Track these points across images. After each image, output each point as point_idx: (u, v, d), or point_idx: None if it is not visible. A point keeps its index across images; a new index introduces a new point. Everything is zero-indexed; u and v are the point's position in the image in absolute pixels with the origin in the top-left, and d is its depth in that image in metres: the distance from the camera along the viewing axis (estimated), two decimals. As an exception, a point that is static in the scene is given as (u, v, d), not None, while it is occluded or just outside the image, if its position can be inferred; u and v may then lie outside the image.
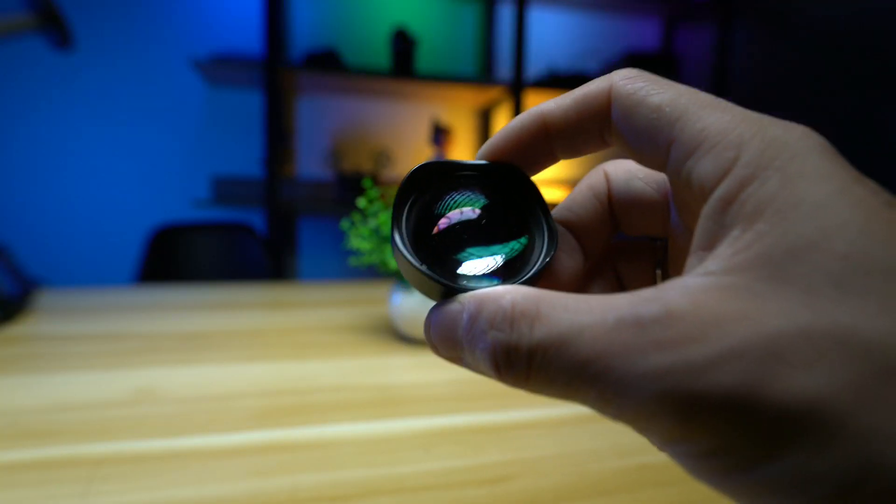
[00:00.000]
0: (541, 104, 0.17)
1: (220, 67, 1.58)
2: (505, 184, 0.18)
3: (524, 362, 0.13)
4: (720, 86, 1.92)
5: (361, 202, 0.59)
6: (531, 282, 0.16)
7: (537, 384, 0.13)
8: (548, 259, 0.16)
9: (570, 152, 0.17)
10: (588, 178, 0.19)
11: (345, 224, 0.60)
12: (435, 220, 0.17)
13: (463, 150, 2.07)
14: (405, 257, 0.15)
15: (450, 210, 0.17)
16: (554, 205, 0.21)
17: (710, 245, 0.12)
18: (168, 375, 0.47)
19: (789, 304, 0.10)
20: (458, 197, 0.17)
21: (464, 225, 0.17)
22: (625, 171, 0.19)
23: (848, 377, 0.10)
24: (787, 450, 0.10)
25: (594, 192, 0.19)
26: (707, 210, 0.13)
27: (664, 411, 0.11)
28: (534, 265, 0.16)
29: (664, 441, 0.12)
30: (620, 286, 0.20)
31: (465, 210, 0.17)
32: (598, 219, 0.19)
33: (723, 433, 0.11)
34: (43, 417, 0.38)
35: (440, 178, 0.18)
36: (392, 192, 0.64)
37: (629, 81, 0.15)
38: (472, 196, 0.17)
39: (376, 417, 0.40)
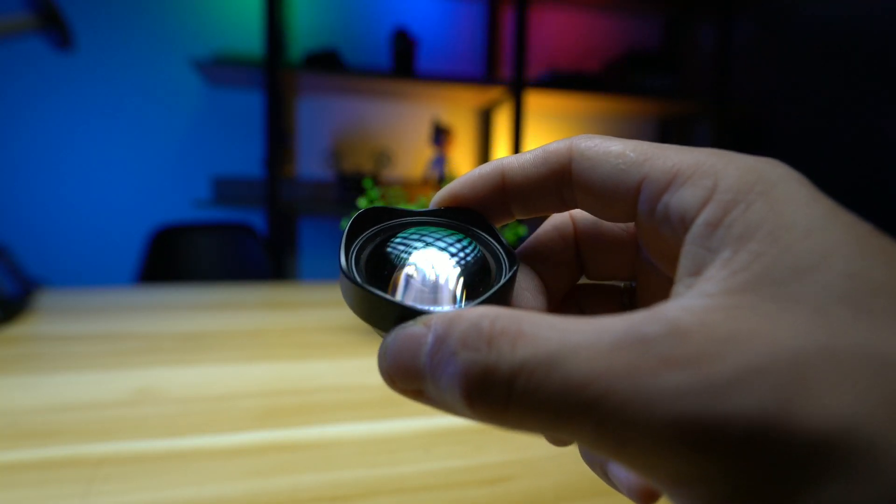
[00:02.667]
0: (502, 158, 0.17)
1: (220, 67, 1.58)
2: (460, 220, 0.17)
3: (503, 388, 0.10)
4: (720, 86, 1.92)
5: (362, 202, 0.59)
6: (498, 298, 0.14)
7: (518, 415, 0.11)
8: (511, 273, 0.15)
9: (527, 210, 0.17)
10: (553, 219, 0.19)
11: (345, 224, 0.60)
12: (387, 253, 0.16)
13: (463, 150, 2.07)
14: (353, 280, 0.14)
15: (404, 243, 0.16)
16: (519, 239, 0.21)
17: (697, 270, 0.12)
18: (168, 375, 0.47)
19: (803, 323, 0.10)
20: (412, 231, 0.17)
21: (418, 254, 0.16)
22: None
23: (879, 398, 0.09)
24: (823, 481, 0.09)
25: (559, 232, 0.18)
26: (691, 236, 0.12)
27: (679, 441, 0.09)
28: (497, 283, 0.15)
29: (674, 482, 0.10)
30: None
31: (419, 241, 0.16)
32: (563, 260, 0.18)
33: (747, 467, 0.09)
34: (43, 417, 0.38)
35: (393, 217, 0.17)
36: (393, 193, 0.64)
37: (587, 138, 0.15)
38: (427, 231, 0.17)
39: (377, 417, 0.40)
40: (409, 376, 0.12)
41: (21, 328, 0.61)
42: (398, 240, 0.16)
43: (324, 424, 0.38)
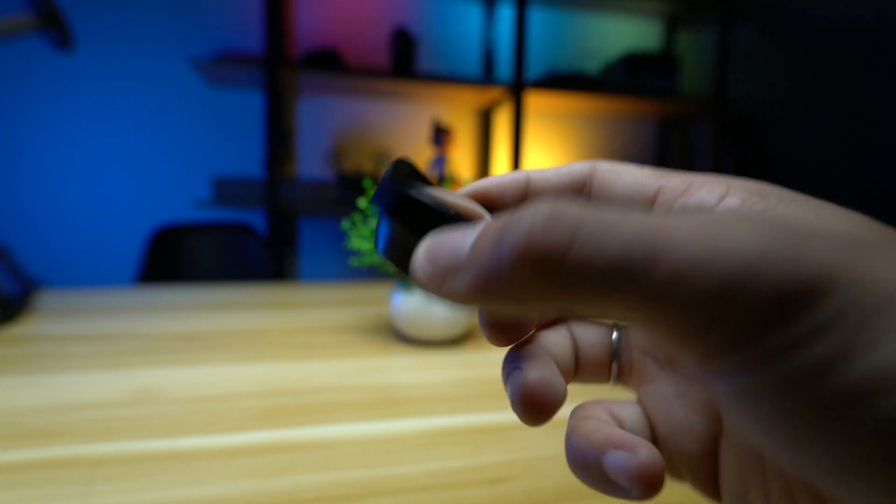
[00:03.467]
0: (528, 169, 0.18)
1: (220, 67, 1.58)
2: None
3: (572, 224, 0.10)
4: (720, 86, 1.92)
5: (362, 202, 0.59)
6: None
7: (581, 257, 0.10)
8: None
9: None
10: (553, 330, 0.19)
11: (345, 224, 0.60)
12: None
13: (463, 150, 2.07)
14: (402, 188, 0.14)
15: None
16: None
17: None
18: (168, 375, 0.47)
19: (847, 223, 0.12)
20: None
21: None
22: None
23: None
24: (888, 338, 0.09)
25: (566, 339, 0.19)
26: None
27: (753, 281, 0.09)
28: None
29: (729, 341, 0.10)
30: (574, 346, 0.18)
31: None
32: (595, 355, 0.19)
33: (818, 311, 0.09)
34: (43, 417, 0.38)
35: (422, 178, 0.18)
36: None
37: (608, 161, 0.17)
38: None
39: (377, 418, 0.40)
40: (450, 253, 0.12)
41: (21, 328, 0.61)
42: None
43: (324, 424, 0.38)
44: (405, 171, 0.17)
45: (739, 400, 0.10)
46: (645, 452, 0.14)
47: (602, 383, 0.19)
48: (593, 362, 0.18)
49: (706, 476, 0.15)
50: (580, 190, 0.17)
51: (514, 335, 0.16)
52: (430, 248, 0.13)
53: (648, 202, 0.15)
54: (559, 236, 0.10)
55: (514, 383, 0.15)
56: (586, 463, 0.15)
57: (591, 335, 0.18)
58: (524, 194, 0.18)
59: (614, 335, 0.18)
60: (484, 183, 0.18)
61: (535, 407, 0.14)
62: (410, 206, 0.14)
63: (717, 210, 0.12)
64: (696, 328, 0.10)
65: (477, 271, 0.11)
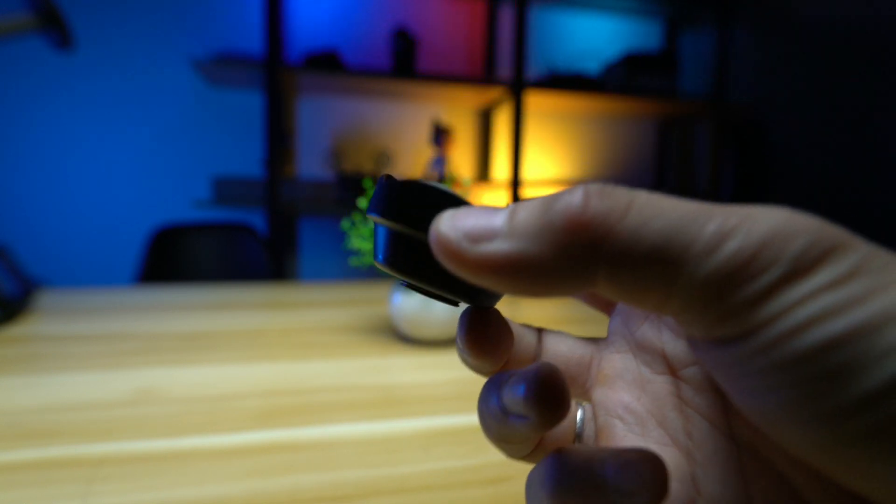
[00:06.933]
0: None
1: (220, 67, 1.58)
2: None
3: (625, 195, 0.11)
4: (720, 86, 1.92)
5: (362, 202, 0.59)
6: None
7: (636, 221, 0.10)
8: None
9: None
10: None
11: (345, 224, 0.60)
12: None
13: (463, 150, 2.07)
14: (406, 181, 0.13)
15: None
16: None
17: None
18: (168, 375, 0.47)
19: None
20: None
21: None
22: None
23: None
24: None
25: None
26: None
27: (788, 234, 0.10)
28: None
29: (772, 285, 0.10)
30: None
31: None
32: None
33: (836, 262, 0.10)
34: (43, 417, 0.38)
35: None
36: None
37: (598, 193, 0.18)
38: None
39: (377, 417, 0.40)
40: (479, 223, 0.11)
41: (21, 328, 0.61)
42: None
43: (324, 424, 0.38)
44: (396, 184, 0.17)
45: (752, 361, 0.10)
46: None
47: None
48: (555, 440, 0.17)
49: None
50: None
51: (493, 355, 0.15)
52: (456, 216, 0.12)
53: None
54: (615, 203, 0.11)
55: (515, 387, 0.13)
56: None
57: None
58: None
59: (579, 413, 0.17)
60: None
61: (558, 391, 0.12)
62: (413, 196, 0.13)
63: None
64: (736, 281, 0.10)
65: (519, 237, 0.11)
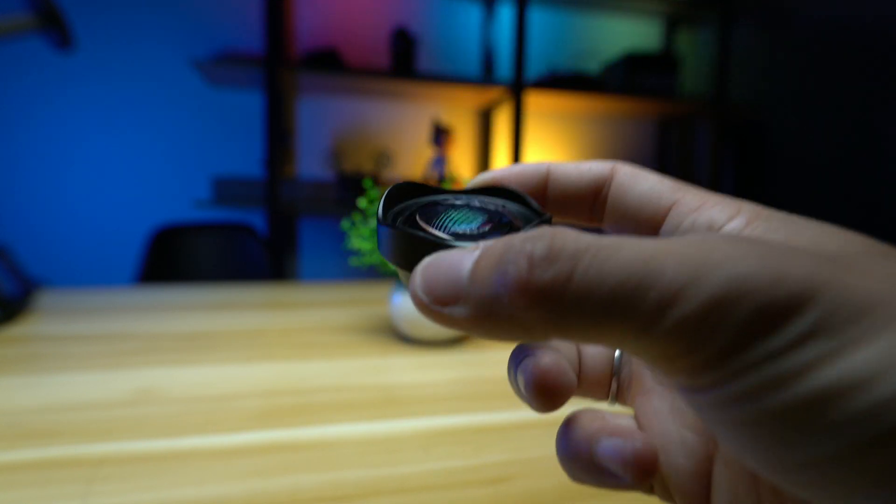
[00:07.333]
0: (548, 162, 0.18)
1: (220, 67, 1.58)
2: (491, 192, 0.18)
3: (569, 261, 0.10)
4: (720, 86, 1.92)
5: (362, 202, 0.59)
6: None
7: (578, 293, 0.10)
8: (546, 218, 0.16)
9: (558, 211, 0.18)
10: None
11: (345, 224, 0.60)
12: (424, 213, 0.16)
13: (463, 150, 2.07)
14: (392, 226, 0.14)
15: (436, 204, 0.17)
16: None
17: None
18: (168, 375, 0.47)
19: (837, 241, 0.13)
20: (442, 198, 0.18)
21: (454, 213, 0.16)
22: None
23: None
24: (873, 335, 0.09)
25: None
26: None
27: (741, 296, 0.10)
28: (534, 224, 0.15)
29: (713, 356, 0.10)
30: (578, 356, 0.19)
31: (451, 203, 0.17)
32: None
33: (803, 320, 0.09)
34: (43, 417, 0.38)
35: (427, 193, 0.18)
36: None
37: (630, 165, 0.17)
38: (457, 197, 0.18)
39: (376, 417, 0.40)
40: (448, 282, 0.12)
41: (21, 328, 0.61)
42: (434, 203, 0.17)
43: (324, 424, 0.38)
44: (398, 194, 0.17)
45: (723, 411, 0.11)
46: (640, 438, 0.14)
47: (600, 400, 0.19)
48: (595, 375, 0.18)
49: (696, 496, 0.15)
50: (598, 191, 0.17)
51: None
52: (427, 275, 0.12)
53: (661, 214, 0.16)
54: (559, 270, 0.10)
55: (527, 368, 0.15)
56: (578, 452, 0.15)
57: (594, 348, 0.18)
58: (544, 186, 0.18)
59: (617, 351, 0.18)
60: (504, 172, 0.18)
61: (549, 390, 0.14)
62: (399, 244, 0.14)
63: (706, 233, 0.13)
64: (686, 348, 0.10)
65: (477, 303, 0.11)
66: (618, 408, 0.25)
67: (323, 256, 2.00)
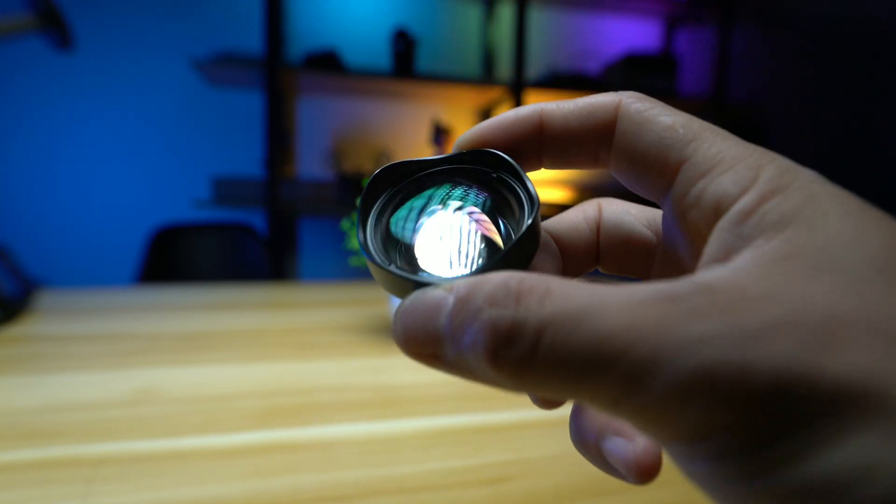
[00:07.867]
0: (542, 103, 0.16)
1: (220, 67, 1.58)
2: (483, 164, 0.17)
3: (530, 341, 0.10)
4: (720, 86, 1.92)
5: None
6: (520, 249, 0.14)
7: (543, 371, 0.10)
8: (530, 221, 0.14)
9: (558, 161, 0.17)
10: (581, 205, 0.19)
11: (345, 224, 0.60)
12: (403, 219, 0.16)
13: (463, 151, 2.07)
14: (370, 258, 0.14)
15: (420, 206, 0.16)
16: (548, 208, 0.20)
17: (726, 256, 0.12)
18: (168, 375, 0.47)
19: (838, 287, 0.10)
20: (430, 192, 0.17)
21: (434, 220, 0.16)
22: (619, 205, 0.18)
23: None
24: (845, 435, 0.09)
25: (585, 216, 0.18)
26: (724, 222, 0.12)
27: (703, 389, 0.09)
28: (514, 239, 0.15)
29: (690, 435, 0.10)
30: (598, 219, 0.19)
31: (435, 203, 0.16)
32: (582, 242, 0.18)
33: (768, 416, 0.09)
34: (43, 417, 0.38)
35: (407, 177, 0.17)
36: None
37: (638, 100, 0.15)
38: (444, 189, 0.17)
39: (376, 417, 0.40)
40: (426, 338, 0.12)
41: (21, 328, 0.61)
42: (416, 202, 0.17)
43: (324, 424, 0.38)
44: (380, 182, 0.17)
45: (717, 480, 0.11)
46: (642, 443, 0.14)
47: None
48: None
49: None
50: (601, 137, 0.15)
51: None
52: (407, 324, 0.12)
53: (670, 173, 0.14)
54: (522, 350, 0.10)
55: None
56: (587, 442, 0.16)
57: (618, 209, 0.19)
58: (536, 137, 0.16)
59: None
60: (486, 129, 0.16)
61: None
62: (381, 276, 0.14)
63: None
64: (655, 424, 0.10)
65: (454, 364, 0.12)
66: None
67: (323, 256, 2.00)
